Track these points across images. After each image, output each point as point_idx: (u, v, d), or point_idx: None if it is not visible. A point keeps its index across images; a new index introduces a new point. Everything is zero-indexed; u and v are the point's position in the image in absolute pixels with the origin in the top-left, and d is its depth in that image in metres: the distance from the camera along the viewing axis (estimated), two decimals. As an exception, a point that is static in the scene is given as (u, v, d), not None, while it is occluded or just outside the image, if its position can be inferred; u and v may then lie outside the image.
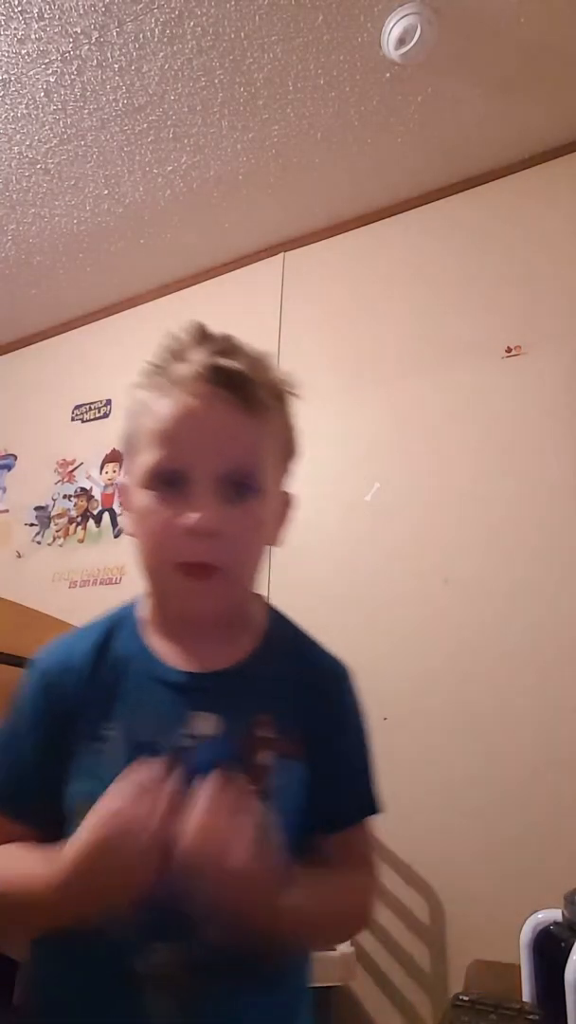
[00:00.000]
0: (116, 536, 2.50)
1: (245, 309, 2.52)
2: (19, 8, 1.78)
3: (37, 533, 2.70)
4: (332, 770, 0.72)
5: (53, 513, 2.69)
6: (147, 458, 0.68)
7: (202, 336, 0.71)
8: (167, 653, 0.71)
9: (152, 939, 0.62)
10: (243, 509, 0.67)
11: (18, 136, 2.15)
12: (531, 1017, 1.16)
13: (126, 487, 0.74)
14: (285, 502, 0.76)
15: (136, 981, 0.61)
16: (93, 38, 1.86)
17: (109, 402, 2.77)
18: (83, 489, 2.67)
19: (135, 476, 0.70)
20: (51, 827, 0.66)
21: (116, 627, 0.75)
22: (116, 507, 2.55)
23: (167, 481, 0.67)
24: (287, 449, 0.75)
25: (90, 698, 0.69)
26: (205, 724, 0.67)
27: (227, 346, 0.70)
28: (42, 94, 2.02)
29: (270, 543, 0.75)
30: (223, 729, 0.67)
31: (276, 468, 0.72)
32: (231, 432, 0.67)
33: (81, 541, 2.57)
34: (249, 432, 0.68)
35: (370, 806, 0.77)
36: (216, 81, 1.97)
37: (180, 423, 0.67)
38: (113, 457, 2.63)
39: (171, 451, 0.67)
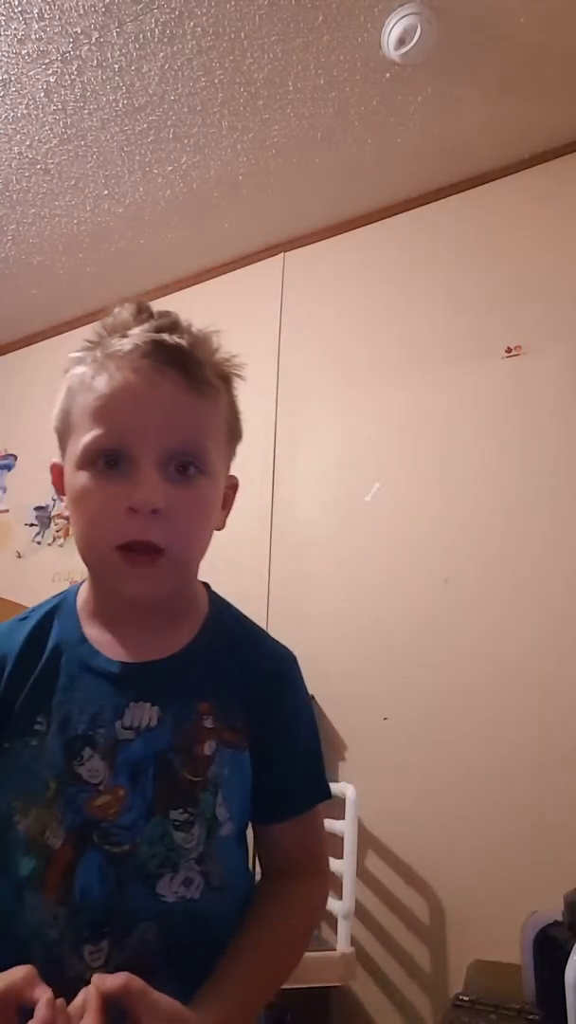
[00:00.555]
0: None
1: (245, 309, 2.52)
2: (19, 8, 1.78)
3: (37, 533, 2.70)
4: (280, 757, 0.70)
5: (53, 513, 2.69)
6: (85, 436, 0.64)
7: (143, 312, 0.68)
8: (105, 642, 0.69)
9: None
10: (188, 490, 0.65)
11: (18, 136, 2.15)
12: (531, 1017, 1.16)
13: (60, 468, 0.70)
14: (231, 485, 0.75)
15: None
16: (93, 38, 1.86)
17: (109, 402, 2.76)
18: (83, 489, 2.67)
19: (72, 456, 0.66)
20: None
21: (54, 614, 0.72)
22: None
23: (107, 460, 0.63)
24: (232, 431, 0.72)
25: (20, 689, 0.66)
26: (143, 715, 0.65)
27: (169, 322, 0.67)
28: (42, 94, 2.02)
29: (216, 527, 0.72)
30: (163, 720, 0.65)
31: (222, 450, 0.70)
32: (175, 409, 0.64)
33: (81, 541, 2.56)
34: (194, 410, 0.66)
35: (320, 792, 0.74)
36: (216, 81, 1.97)
37: (121, 399, 0.63)
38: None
39: (111, 428, 0.63)
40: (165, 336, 0.65)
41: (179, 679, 0.68)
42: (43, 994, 0.50)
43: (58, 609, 0.73)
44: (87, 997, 0.52)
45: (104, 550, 0.64)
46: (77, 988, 0.53)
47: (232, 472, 0.75)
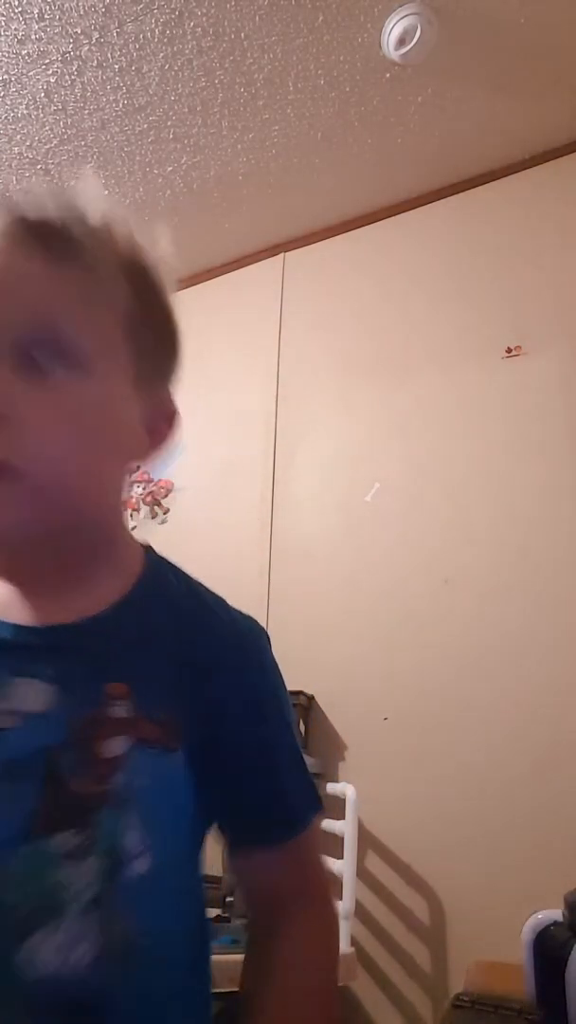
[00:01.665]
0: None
1: (245, 309, 2.52)
2: (19, 9, 1.78)
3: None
4: (254, 761, 0.54)
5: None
6: None
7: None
8: (5, 602, 0.54)
9: None
10: (50, 391, 0.48)
11: (18, 136, 2.15)
12: (531, 1017, 1.16)
13: None
14: (163, 413, 0.57)
15: None
16: (93, 39, 1.86)
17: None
18: (83, 489, 2.67)
19: None
20: None
21: None
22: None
23: None
24: (140, 329, 0.54)
25: None
26: (31, 695, 0.48)
27: (53, 202, 0.52)
28: (42, 94, 2.02)
29: (130, 455, 0.55)
30: (57, 703, 0.48)
31: (114, 345, 0.52)
32: (20, 280, 0.48)
33: (81, 541, 2.57)
34: (49, 282, 0.49)
35: (314, 802, 0.57)
36: (216, 81, 1.97)
37: None
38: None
39: None
40: (21, 208, 0.51)
41: (89, 651, 0.51)
42: None
43: None
44: None
45: None
46: None
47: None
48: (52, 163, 2.24)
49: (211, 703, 0.53)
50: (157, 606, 0.56)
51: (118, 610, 0.53)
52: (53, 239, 0.50)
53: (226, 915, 1.65)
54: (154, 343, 0.56)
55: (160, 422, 0.57)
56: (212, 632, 0.56)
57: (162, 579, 0.58)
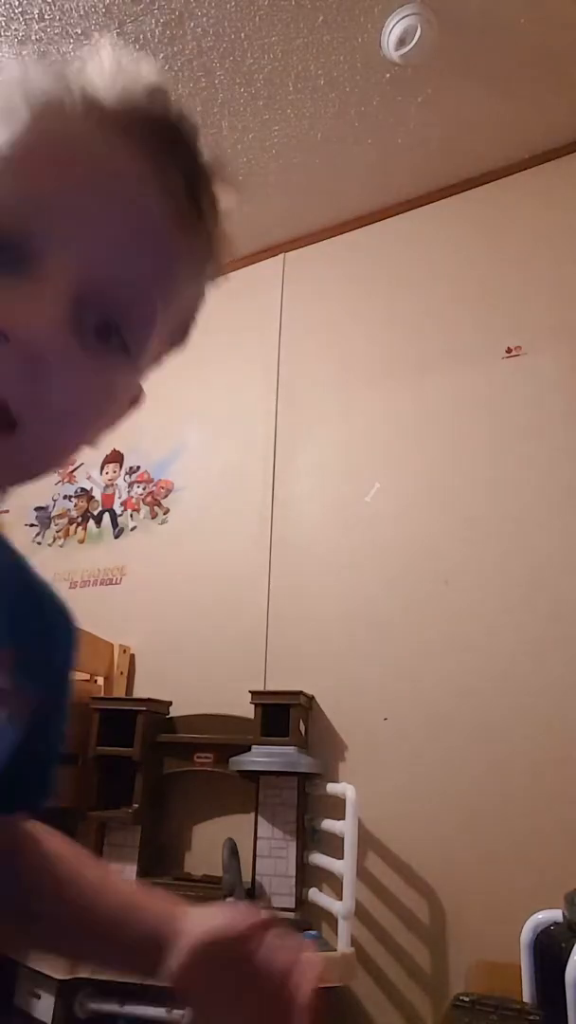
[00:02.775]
0: (116, 536, 2.50)
1: (245, 309, 2.52)
2: (20, 9, 1.79)
3: (37, 534, 2.70)
4: (43, 739, 0.53)
5: (53, 514, 2.69)
6: None
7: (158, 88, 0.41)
8: None
9: None
10: (99, 365, 0.39)
11: (18, 137, 2.15)
12: (532, 1018, 1.16)
13: None
14: (135, 397, 0.49)
15: None
16: (94, 39, 1.86)
17: (109, 402, 2.76)
18: (83, 489, 2.67)
19: None
20: None
21: None
22: (116, 508, 2.55)
23: None
24: (179, 330, 0.48)
25: None
26: None
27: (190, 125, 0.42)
28: (42, 95, 2.02)
29: (94, 433, 0.46)
30: None
31: (160, 342, 0.45)
32: (153, 232, 0.40)
33: (81, 542, 2.57)
34: (176, 250, 0.41)
35: (53, 787, 0.57)
36: (216, 82, 1.97)
37: (72, 162, 0.37)
38: (113, 458, 2.63)
39: (28, 194, 0.36)
40: (208, 162, 0.42)
41: None
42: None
43: None
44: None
45: None
46: None
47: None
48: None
49: (47, 686, 0.51)
50: (10, 572, 0.51)
51: None
52: (203, 202, 0.42)
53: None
54: (179, 340, 0.50)
55: (130, 402, 0.49)
56: (46, 607, 0.54)
57: (6, 545, 0.52)
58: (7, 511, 2.87)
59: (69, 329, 0.37)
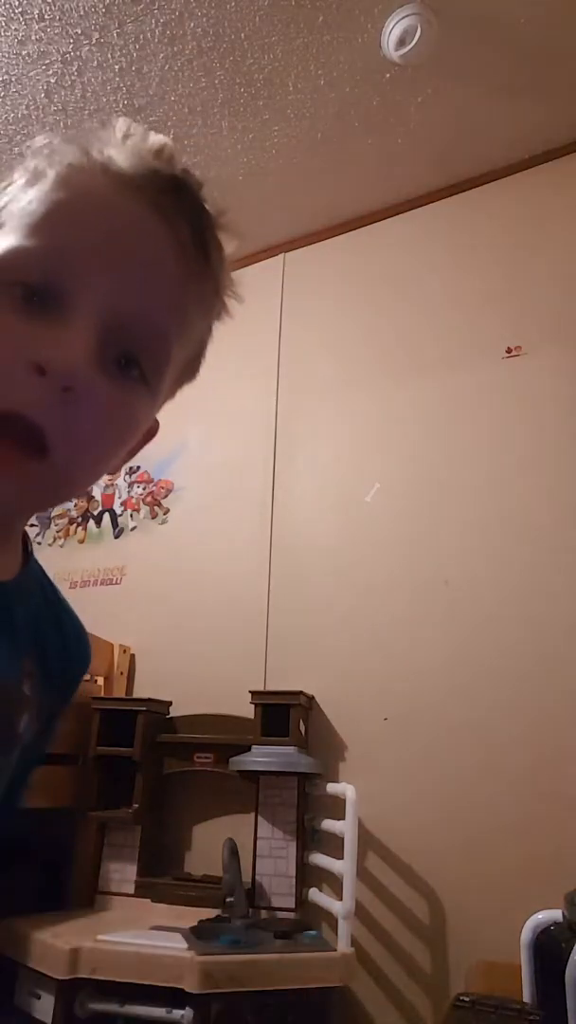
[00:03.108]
0: (116, 536, 2.51)
1: (245, 309, 2.51)
2: (20, 9, 1.79)
3: (38, 533, 2.70)
4: (38, 745, 0.55)
5: (53, 513, 2.69)
6: (12, 240, 0.42)
7: (163, 149, 0.49)
8: None
9: None
10: (120, 392, 0.44)
11: (19, 137, 2.15)
12: (532, 1018, 1.16)
13: None
14: (151, 429, 0.53)
15: None
16: (93, 39, 1.86)
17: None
18: (83, 489, 2.67)
19: None
20: None
21: None
22: (116, 508, 2.55)
23: (29, 289, 0.41)
24: (189, 365, 0.53)
25: None
26: None
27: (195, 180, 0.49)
28: (43, 95, 2.02)
29: (115, 464, 0.50)
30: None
31: (174, 373, 0.50)
32: (164, 273, 0.45)
33: (81, 542, 2.57)
34: (184, 289, 0.47)
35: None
36: (216, 82, 1.97)
37: (94, 218, 0.43)
38: (113, 457, 2.63)
39: (59, 246, 0.42)
40: (207, 209, 0.48)
41: (6, 616, 0.49)
42: None
43: None
44: None
45: None
46: None
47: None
48: (52, 163, 2.24)
49: (61, 696, 0.54)
50: (39, 587, 0.55)
51: (22, 579, 0.51)
52: (206, 235, 0.48)
53: (226, 915, 1.65)
54: (190, 375, 0.55)
55: (146, 435, 0.54)
56: (71, 633, 0.57)
57: (38, 568, 0.56)
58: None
59: (96, 361, 0.42)
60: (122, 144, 0.47)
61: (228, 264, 0.53)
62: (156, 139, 0.48)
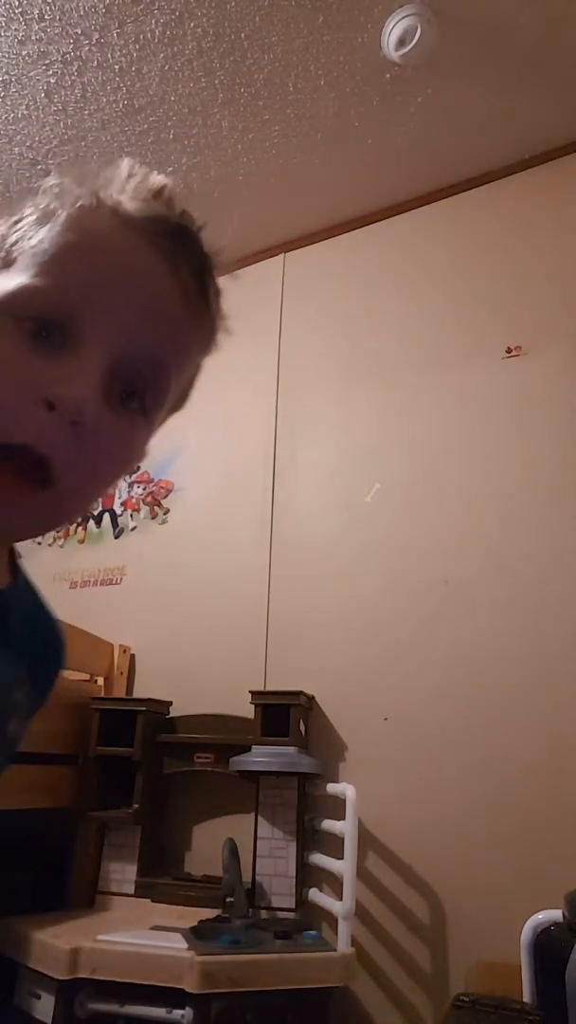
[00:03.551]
0: (116, 536, 2.51)
1: (245, 309, 2.51)
2: (19, 9, 1.79)
3: (37, 533, 2.70)
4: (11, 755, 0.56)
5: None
6: (25, 279, 0.44)
7: (164, 191, 0.51)
8: None
9: None
10: (121, 424, 0.47)
11: (19, 137, 2.15)
12: (532, 1018, 1.16)
13: None
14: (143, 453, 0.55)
15: None
16: (94, 39, 1.86)
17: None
18: (83, 489, 2.67)
19: None
20: None
21: None
22: (116, 508, 2.55)
23: (39, 326, 0.43)
24: (180, 398, 0.55)
25: None
26: None
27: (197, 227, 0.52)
28: (43, 95, 2.02)
29: (113, 487, 0.55)
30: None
31: (168, 406, 0.53)
32: (167, 313, 0.48)
33: (81, 542, 2.57)
34: (185, 329, 0.50)
35: None
36: (216, 82, 1.97)
37: (106, 259, 0.46)
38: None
39: (70, 286, 0.44)
40: (199, 238, 0.51)
41: (3, 623, 0.51)
42: None
43: None
44: None
45: None
46: None
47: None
48: (53, 163, 2.24)
49: (34, 703, 0.56)
50: (27, 596, 0.56)
51: (13, 588, 0.53)
52: (206, 278, 0.51)
53: (226, 915, 1.65)
54: (180, 405, 0.57)
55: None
56: (54, 641, 0.59)
57: (26, 577, 0.57)
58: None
59: (102, 396, 0.45)
60: (128, 186, 0.49)
61: (223, 304, 0.56)
62: (157, 180, 0.51)
